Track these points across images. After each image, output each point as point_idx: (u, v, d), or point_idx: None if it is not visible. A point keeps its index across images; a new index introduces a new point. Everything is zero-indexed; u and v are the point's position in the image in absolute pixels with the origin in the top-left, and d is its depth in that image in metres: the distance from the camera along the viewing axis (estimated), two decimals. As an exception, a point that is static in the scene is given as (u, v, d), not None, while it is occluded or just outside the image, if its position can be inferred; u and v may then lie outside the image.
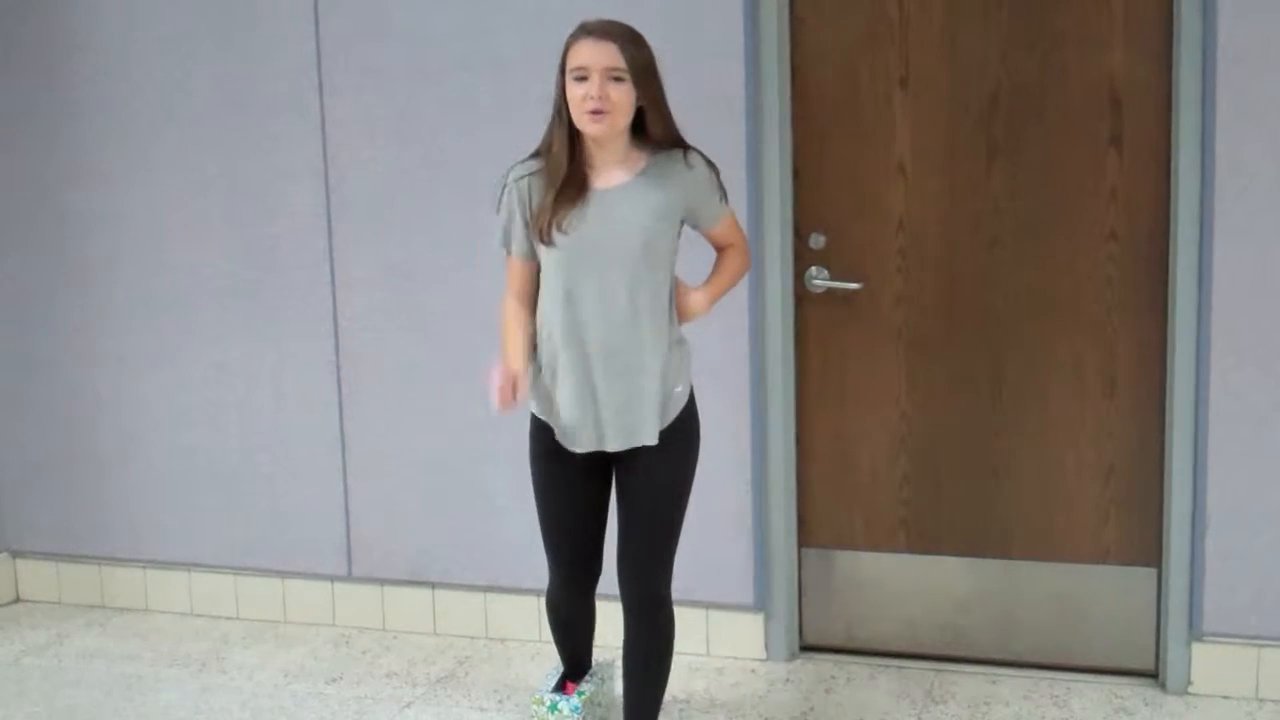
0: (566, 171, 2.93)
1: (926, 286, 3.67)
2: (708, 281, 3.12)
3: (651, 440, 2.99)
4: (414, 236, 3.99)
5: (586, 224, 2.93)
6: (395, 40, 3.93)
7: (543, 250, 2.99)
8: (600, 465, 3.08)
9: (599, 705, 3.41)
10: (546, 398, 3.06)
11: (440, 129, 3.92)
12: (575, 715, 3.30)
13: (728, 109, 3.64)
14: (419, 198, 3.97)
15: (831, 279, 3.72)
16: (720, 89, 3.64)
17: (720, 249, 3.16)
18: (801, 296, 3.74)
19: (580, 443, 3.02)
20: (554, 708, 3.31)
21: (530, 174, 3.01)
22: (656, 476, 3.02)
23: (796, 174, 3.71)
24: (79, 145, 4.26)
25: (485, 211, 3.88)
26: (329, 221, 4.06)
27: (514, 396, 3.02)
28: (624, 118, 2.90)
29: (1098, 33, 3.47)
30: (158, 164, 4.20)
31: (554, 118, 2.96)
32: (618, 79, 2.86)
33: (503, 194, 3.06)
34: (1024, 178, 3.57)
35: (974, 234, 3.62)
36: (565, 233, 2.92)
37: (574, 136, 2.94)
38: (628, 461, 3.03)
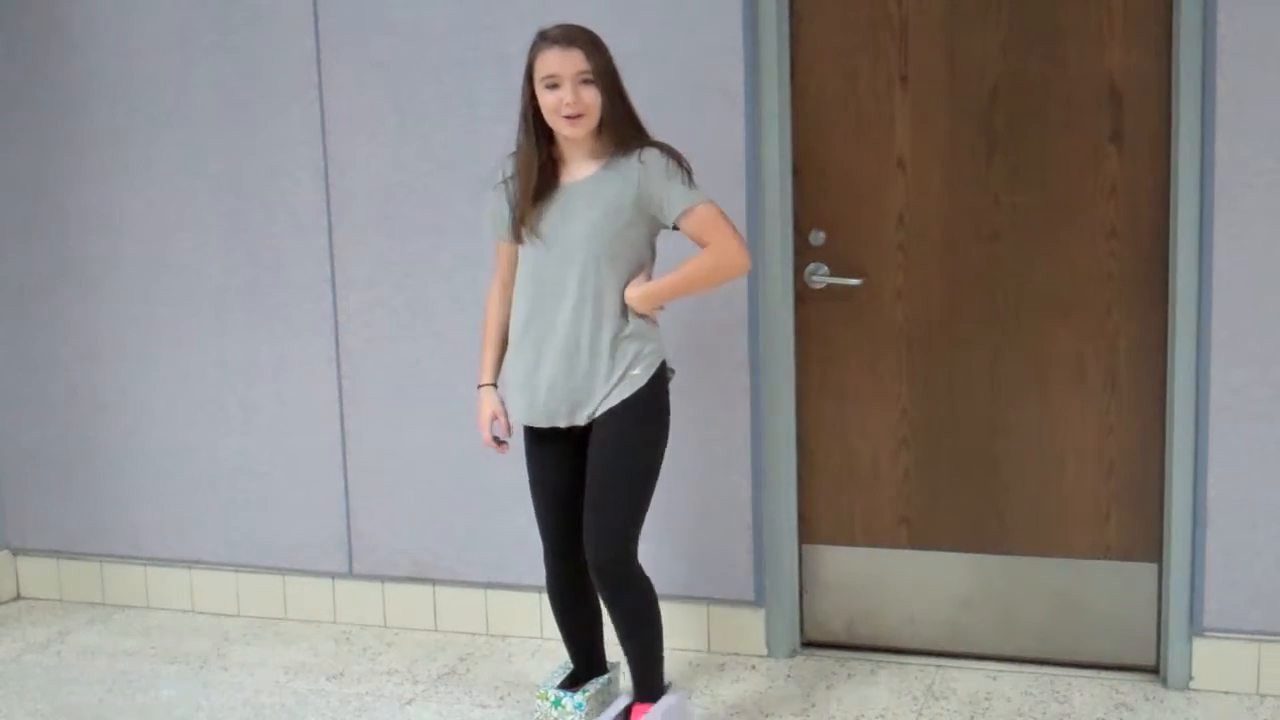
0: (538, 173, 3.11)
1: (927, 283, 3.67)
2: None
3: (589, 418, 3.12)
4: (415, 234, 3.99)
5: (551, 217, 3.11)
6: (395, 36, 3.93)
7: (518, 245, 3.20)
8: (575, 442, 3.19)
9: (604, 705, 3.40)
10: (512, 371, 3.24)
11: (441, 126, 3.92)
12: (579, 713, 3.29)
13: (727, 105, 3.64)
14: (420, 195, 3.97)
15: (831, 275, 3.72)
16: (720, 85, 3.64)
17: (700, 248, 3.17)
18: (801, 293, 3.75)
19: (521, 415, 3.21)
20: (557, 703, 3.31)
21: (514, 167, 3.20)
22: (608, 449, 3.13)
23: (796, 170, 3.71)
24: (78, 143, 4.27)
25: (487, 200, 3.91)
26: (329, 219, 4.06)
27: (496, 435, 3.31)
28: (596, 118, 3.05)
29: (1097, 28, 3.47)
30: (157, 162, 4.20)
31: (521, 123, 3.14)
32: (586, 81, 3.03)
33: (498, 182, 3.25)
34: (1024, 174, 3.57)
35: (974, 230, 3.62)
36: (538, 232, 3.11)
37: (541, 138, 3.11)
38: (589, 437, 3.16)
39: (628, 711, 3.27)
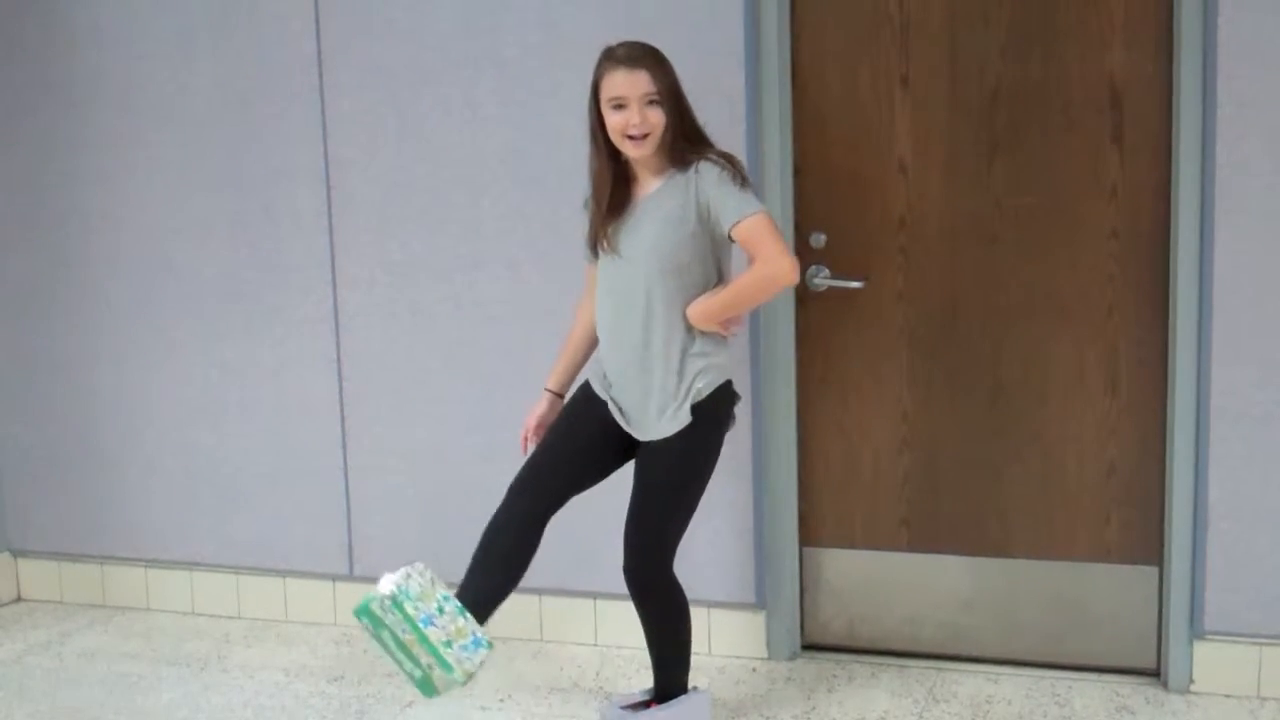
0: (611, 190, 3.15)
1: (928, 285, 3.67)
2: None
3: (654, 436, 3.13)
4: (415, 235, 3.99)
5: (622, 231, 3.15)
6: (396, 38, 3.92)
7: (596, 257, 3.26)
8: (618, 441, 3.21)
9: (438, 609, 2.97)
10: (596, 372, 3.28)
11: (442, 127, 3.92)
12: (397, 578, 2.93)
13: (728, 108, 3.64)
14: (420, 196, 3.97)
15: (833, 278, 3.71)
16: (721, 87, 3.63)
17: (749, 260, 3.18)
18: (803, 295, 3.74)
19: (613, 412, 3.20)
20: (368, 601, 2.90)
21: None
22: (661, 466, 3.15)
23: (797, 172, 3.71)
24: (79, 144, 4.26)
25: (487, 210, 3.91)
26: (330, 220, 4.06)
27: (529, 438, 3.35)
28: (660, 137, 3.10)
29: (1098, 30, 3.47)
30: (159, 162, 4.20)
31: (591, 142, 3.18)
32: (653, 102, 3.07)
33: (582, 206, 3.32)
34: (1025, 176, 3.57)
35: (975, 232, 3.62)
36: (612, 247, 3.14)
37: (614, 155, 3.14)
38: (647, 447, 3.18)
39: (645, 705, 3.33)
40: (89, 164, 4.27)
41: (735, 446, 3.74)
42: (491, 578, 3.14)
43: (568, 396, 3.36)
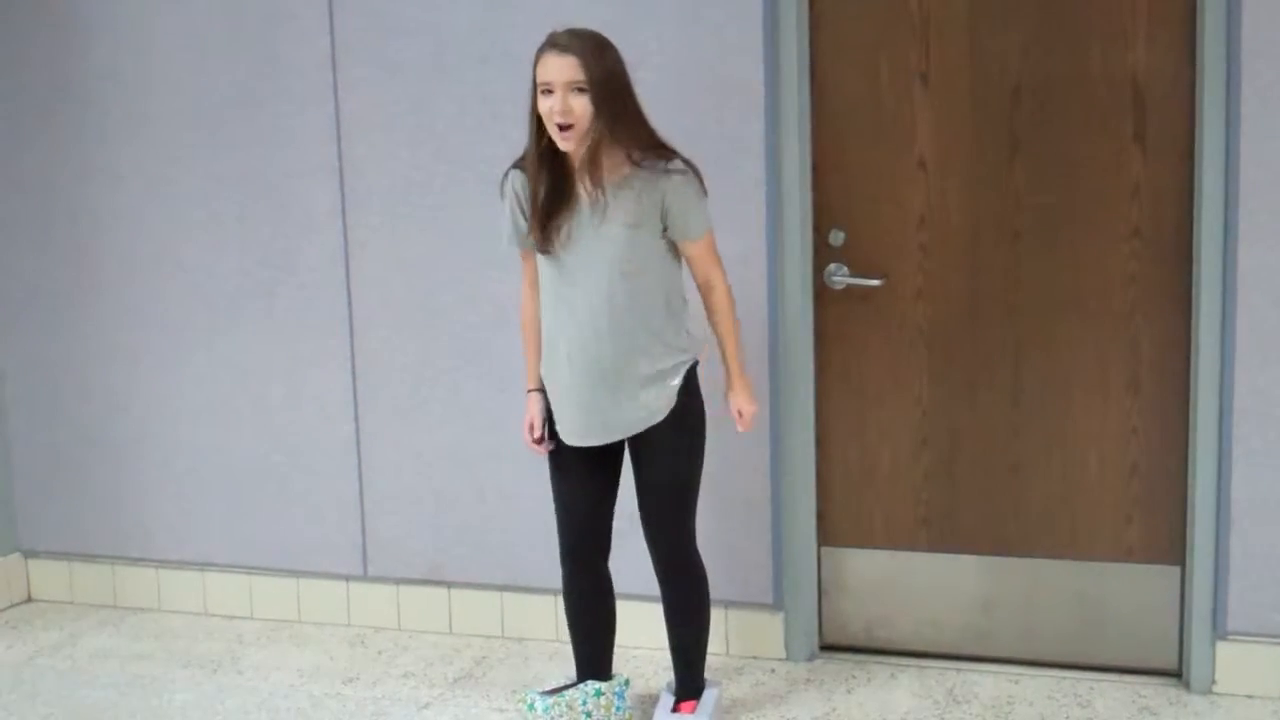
0: (550, 182, 3.04)
1: (948, 283, 3.65)
2: (723, 360, 3.26)
3: (639, 429, 3.16)
4: (430, 234, 3.96)
5: (568, 230, 3.06)
6: (410, 37, 3.90)
7: (537, 254, 3.18)
8: (604, 452, 3.22)
9: (585, 715, 3.35)
10: (548, 383, 3.24)
11: (456, 126, 3.90)
12: (545, 716, 3.29)
13: (747, 104, 3.62)
14: (435, 195, 3.95)
15: (851, 276, 3.69)
16: (739, 84, 3.62)
17: (699, 282, 3.21)
18: (821, 293, 3.72)
19: (569, 435, 3.19)
20: (530, 706, 3.31)
21: (524, 175, 3.14)
22: (656, 463, 3.19)
23: (816, 170, 3.69)
24: (93, 144, 4.24)
25: (502, 208, 3.88)
26: (344, 219, 4.04)
27: (538, 439, 3.29)
28: (585, 129, 2.98)
29: (1121, 27, 3.45)
30: (172, 162, 4.17)
31: (529, 129, 3.07)
32: (580, 90, 2.95)
33: (502, 194, 3.21)
34: (1046, 174, 3.54)
35: (996, 230, 3.60)
36: (563, 245, 3.06)
37: (553, 146, 3.04)
38: (634, 445, 3.19)
39: (674, 708, 3.35)
40: (101, 163, 4.25)
41: (753, 446, 3.73)
42: (595, 642, 3.38)
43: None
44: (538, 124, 3.03)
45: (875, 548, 3.79)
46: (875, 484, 3.77)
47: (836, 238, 3.70)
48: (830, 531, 3.82)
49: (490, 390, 3.96)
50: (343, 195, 4.02)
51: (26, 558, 4.54)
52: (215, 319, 4.20)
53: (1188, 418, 3.50)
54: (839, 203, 3.69)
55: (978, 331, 3.64)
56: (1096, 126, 3.50)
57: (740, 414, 3.30)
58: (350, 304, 4.06)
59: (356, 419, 4.11)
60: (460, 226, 3.93)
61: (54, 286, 4.36)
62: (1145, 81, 3.45)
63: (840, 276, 3.70)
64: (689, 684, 3.36)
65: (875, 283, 3.68)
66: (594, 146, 2.99)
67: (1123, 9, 3.44)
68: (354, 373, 4.09)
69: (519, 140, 3.81)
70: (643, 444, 3.18)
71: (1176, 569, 3.58)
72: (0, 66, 4.30)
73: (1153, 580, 3.60)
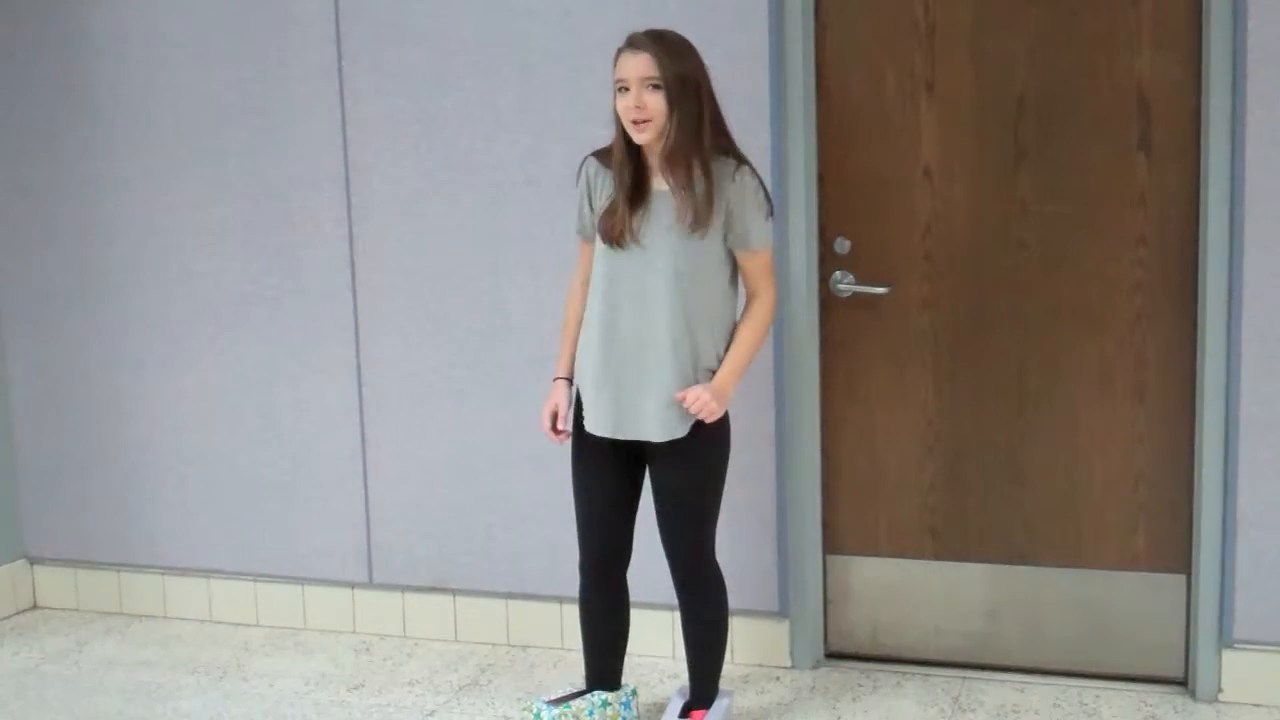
0: (630, 177, 3.10)
1: (953, 292, 3.65)
2: (723, 357, 3.18)
3: (656, 438, 3.12)
4: (436, 241, 3.97)
5: (636, 223, 3.10)
6: (417, 44, 3.91)
7: (597, 241, 3.18)
8: (628, 457, 3.22)
9: None
10: (580, 372, 3.24)
11: (462, 133, 3.90)
12: None
13: (752, 112, 3.62)
14: (441, 202, 3.95)
15: (857, 283, 3.69)
16: (745, 92, 3.61)
17: (748, 290, 3.21)
18: (827, 301, 3.72)
19: (595, 424, 3.18)
20: (537, 715, 3.31)
21: (600, 165, 3.19)
22: (681, 475, 3.18)
23: (821, 178, 3.69)
24: (100, 152, 4.25)
25: (508, 216, 3.90)
26: (350, 227, 4.04)
27: (555, 429, 3.30)
28: (661, 125, 3.04)
29: (1126, 35, 3.45)
30: (178, 169, 4.18)
31: (615, 124, 3.12)
32: (655, 87, 3.02)
33: (578, 180, 3.27)
34: (1052, 182, 3.55)
35: (1001, 239, 3.60)
36: (628, 239, 3.09)
37: (632, 143, 3.09)
38: (655, 455, 3.18)
39: (685, 713, 3.33)
40: (108, 171, 4.25)
41: (759, 453, 3.73)
42: (606, 654, 3.38)
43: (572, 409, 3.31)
44: (620, 122, 3.10)
45: (881, 556, 3.79)
46: (881, 492, 3.77)
47: (842, 246, 3.70)
48: (836, 539, 3.82)
49: (496, 398, 3.97)
50: (349, 203, 4.03)
51: (32, 564, 4.55)
52: (221, 326, 4.21)
53: (1193, 426, 3.50)
54: (844, 211, 3.69)
55: (983, 339, 3.64)
56: (1102, 134, 3.50)
57: (692, 398, 3.06)
58: (356, 311, 4.07)
59: (362, 426, 4.11)
60: (466, 234, 3.94)
61: (61, 293, 4.36)
62: (1150, 89, 3.45)
63: (846, 284, 3.70)
64: (701, 692, 3.35)
65: (881, 291, 3.68)
66: (669, 147, 3.05)
67: (1127, 17, 3.44)
68: (360, 380, 4.10)
69: (527, 147, 3.85)
70: (667, 453, 3.16)
71: (1182, 577, 3.57)
72: (8, 76, 4.32)
73: (1158, 589, 3.60)
